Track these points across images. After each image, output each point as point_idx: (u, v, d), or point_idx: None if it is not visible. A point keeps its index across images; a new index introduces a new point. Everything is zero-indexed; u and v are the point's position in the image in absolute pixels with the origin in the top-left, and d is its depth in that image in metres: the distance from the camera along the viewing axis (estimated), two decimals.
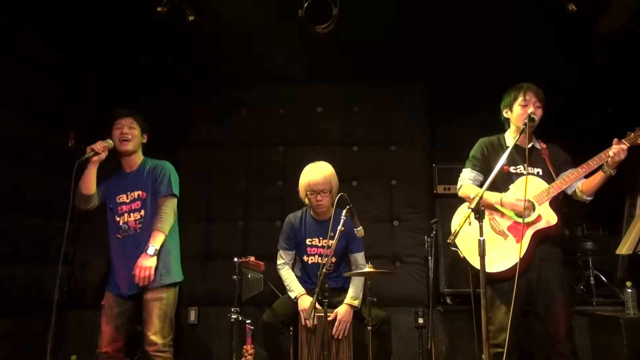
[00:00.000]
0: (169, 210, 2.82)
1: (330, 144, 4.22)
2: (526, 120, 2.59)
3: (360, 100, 4.36)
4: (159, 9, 3.23)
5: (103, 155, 2.75)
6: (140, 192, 2.86)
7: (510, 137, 2.78)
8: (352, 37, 3.62)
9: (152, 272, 2.68)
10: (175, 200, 2.87)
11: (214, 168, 4.28)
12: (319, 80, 4.26)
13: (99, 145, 2.73)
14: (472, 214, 2.24)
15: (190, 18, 3.35)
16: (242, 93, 4.40)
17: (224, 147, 4.32)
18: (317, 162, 3.26)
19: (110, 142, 2.81)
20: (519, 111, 2.70)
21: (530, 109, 2.65)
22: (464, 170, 2.86)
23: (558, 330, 2.52)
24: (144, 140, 2.99)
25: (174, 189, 2.88)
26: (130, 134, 2.87)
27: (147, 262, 2.67)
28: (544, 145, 2.78)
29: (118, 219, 2.84)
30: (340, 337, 2.97)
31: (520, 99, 2.71)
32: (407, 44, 3.86)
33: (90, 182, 2.76)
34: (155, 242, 2.71)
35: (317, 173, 3.14)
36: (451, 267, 3.82)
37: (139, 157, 2.97)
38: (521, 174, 2.68)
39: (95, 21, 3.51)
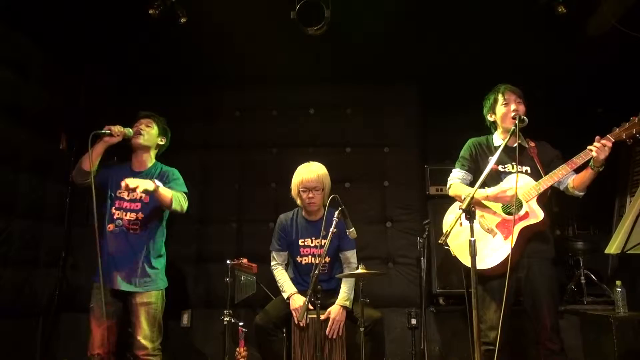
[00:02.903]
0: (180, 197, 2.86)
1: (323, 146, 4.23)
2: (516, 122, 2.63)
3: (352, 101, 4.37)
4: (150, 11, 3.21)
5: (115, 140, 2.77)
6: (143, 195, 2.84)
7: (499, 138, 2.83)
8: (345, 39, 3.63)
9: (139, 188, 2.64)
10: (185, 198, 2.91)
11: (207, 170, 4.27)
12: (311, 81, 4.26)
13: (116, 129, 2.75)
14: (463, 214, 2.26)
15: (182, 20, 3.35)
16: (235, 95, 4.40)
17: (217, 148, 4.32)
18: (311, 162, 3.27)
19: (130, 131, 2.84)
20: (503, 110, 2.77)
21: (513, 106, 2.72)
22: (453, 170, 2.91)
23: (544, 326, 2.55)
24: (160, 142, 3.04)
25: (185, 187, 2.97)
26: (145, 131, 2.93)
27: (144, 182, 2.67)
28: (533, 144, 2.80)
29: (115, 211, 2.87)
30: (333, 337, 2.97)
31: (500, 100, 2.79)
32: (399, 46, 3.87)
33: (93, 159, 2.71)
34: (162, 188, 2.73)
35: (310, 172, 3.17)
36: (443, 267, 3.84)
37: (150, 159, 3.01)
38: (509, 173, 2.72)
39: (87, 22, 3.49)
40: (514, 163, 2.71)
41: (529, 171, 2.72)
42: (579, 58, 3.87)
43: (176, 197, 2.82)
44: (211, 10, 3.37)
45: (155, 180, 2.74)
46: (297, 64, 3.93)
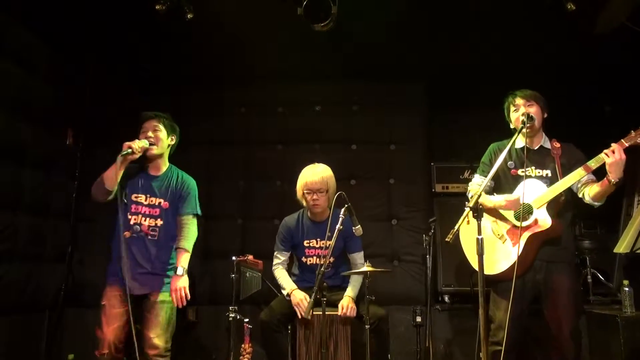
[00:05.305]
0: (194, 229, 2.88)
1: (329, 143, 4.23)
2: (524, 119, 2.63)
3: (359, 99, 4.36)
4: (157, 7, 3.21)
5: (137, 156, 2.72)
6: (162, 201, 2.85)
7: (520, 141, 2.77)
8: (352, 36, 3.62)
9: (187, 290, 2.73)
10: (196, 220, 2.92)
11: (213, 167, 4.27)
12: (317, 78, 4.25)
13: (137, 145, 2.70)
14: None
15: (189, 16, 3.34)
16: (241, 92, 4.39)
17: (222, 145, 4.32)
18: (317, 163, 3.27)
19: (147, 143, 2.78)
20: (515, 116, 2.77)
21: (522, 109, 2.71)
22: (474, 176, 2.92)
23: (562, 332, 2.52)
24: (171, 142, 2.96)
25: (199, 209, 2.94)
26: (155, 138, 2.84)
27: (181, 282, 2.72)
28: (558, 145, 2.75)
29: (130, 217, 2.80)
30: (348, 314, 2.97)
31: (512, 108, 2.79)
32: (406, 43, 3.85)
33: (116, 178, 2.70)
34: (184, 262, 2.77)
35: (315, 174, 3.16)
36: (449, 265, 3.83)
37: (164, 162, 2.95)
38: (529, 176, 2.67)
39: (93, 19, 3.49)
40: (533, 167, 2.70)
41: (549, 174, 2.68)
42: (587, 56, 3.84)
43: (192, 243, 2.85)
44: (217, 6, 3.36)
45: (179, 270, 2.75)
46: (303, 60, 3.92)
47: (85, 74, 3.98)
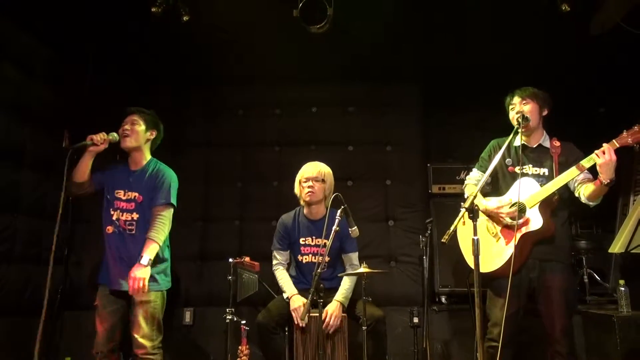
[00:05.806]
0: (165, 220, 2.78)
1: (326, 144, 4.23)
2: (519, 118, 2.66)
3: (355, 100, 4.37)
4: (153, 10, 3.23)
5: (101, 148, 2.73)
6: (137, 195, 2.84)
7: (519, 139, 2.79)
8: (348, 38, 3.63)
9: (146, 282, 2.63)
10: (172, 211, 2.85)
11: (210, 168, 4.28)
12: (314, 80, 4.26)
13: (99, 137, 2.70)
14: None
15: (185, 18, 3.35)
16: (238, 93, 4.40)
17: (219, 147, 4.33)
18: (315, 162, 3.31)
19: (115, 135, 2.79)
20: (511, 115, 2.80)
21: (518, 107, 2.73)
22: (472, 170, 2.97)
23: (554, 329, 2.55)
24: (150, 137, 2.94)
25: (172, 198, 2.85)
26: (131, 130, 2.84)
27: (141, 273, 2.62)
28: (558, 144, 2.76)
29: (112, 212, 2.83)
30: (330, 331, 2.95)
31: (510, 106, 2.82)
32: (402, 45, 3.87)
33: (82, 171, 2.73)
34: (149, 252, 2.67)
35: (312, 166, 3.23)
36: (446, 266, 3.84)
37: (143, 156, 2.93)
38: (526, 174, 2.70)
39: (90, 20, 3.50)
40: (530, 165, 2.72)
41: (545, 173, 2.70)
42: (581, 57, 3.86)
43: (162, 235, 2.74)
44: (214, 8, 3.37)
45: (143, 259, 2.64)
46: (299, 62, 3.93)
47: (83, 75, 3.98)
